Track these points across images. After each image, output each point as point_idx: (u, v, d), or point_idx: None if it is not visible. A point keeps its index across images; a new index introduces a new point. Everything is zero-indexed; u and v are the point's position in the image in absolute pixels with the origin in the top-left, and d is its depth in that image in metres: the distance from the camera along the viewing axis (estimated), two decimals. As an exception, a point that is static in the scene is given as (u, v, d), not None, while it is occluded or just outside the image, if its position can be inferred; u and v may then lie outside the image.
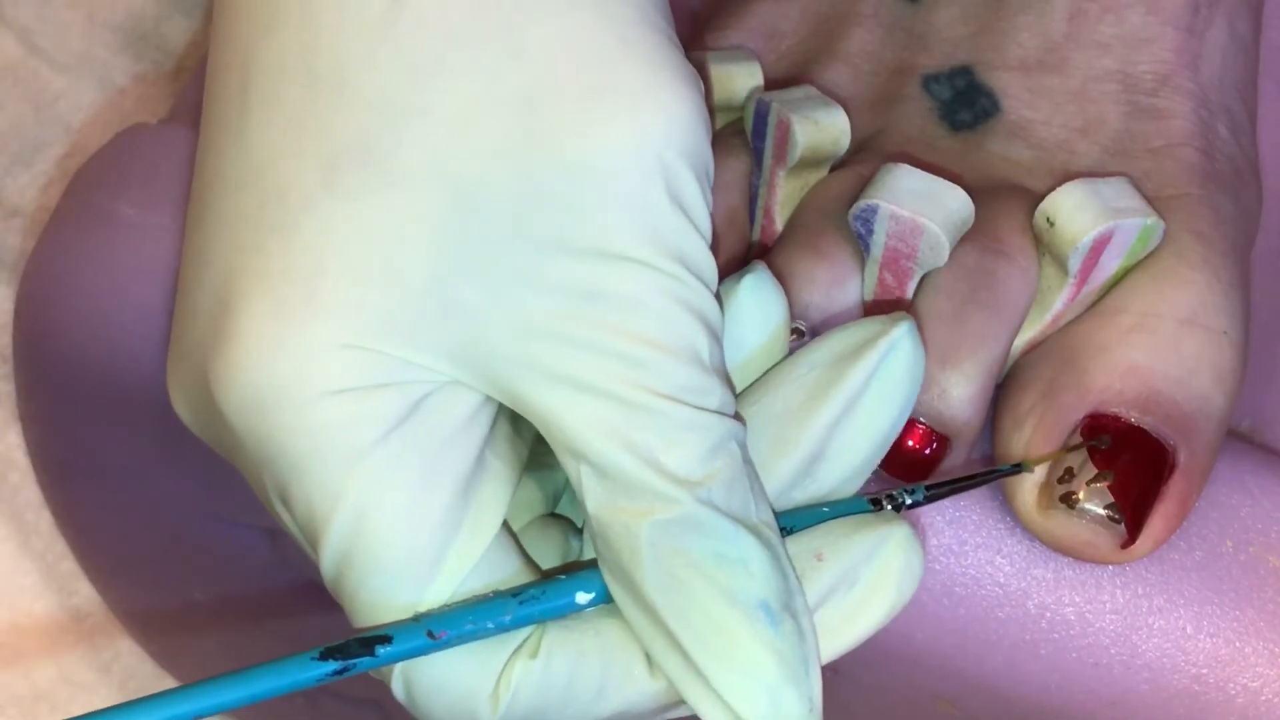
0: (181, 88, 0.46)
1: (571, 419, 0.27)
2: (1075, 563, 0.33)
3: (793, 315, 0.33)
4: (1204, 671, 0.33)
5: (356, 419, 0.26)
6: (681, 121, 0.27)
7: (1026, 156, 0.35)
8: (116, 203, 0.37)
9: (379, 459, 0.27)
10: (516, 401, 0.27)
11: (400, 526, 0.27)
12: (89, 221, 0.37)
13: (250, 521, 0.39)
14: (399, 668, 0.27)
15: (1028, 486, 0.32)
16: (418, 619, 0.27)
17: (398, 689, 0.28)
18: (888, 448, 0.30)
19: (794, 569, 0.28)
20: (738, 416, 0.29)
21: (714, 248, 0.35)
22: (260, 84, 0.27)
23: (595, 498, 0.27)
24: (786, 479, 0.29)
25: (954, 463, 0.32)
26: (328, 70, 0.27)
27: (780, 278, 0.33)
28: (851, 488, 0.30)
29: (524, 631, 0.28)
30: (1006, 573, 0.34)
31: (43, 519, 0.45)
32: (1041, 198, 0.33)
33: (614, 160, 0.26)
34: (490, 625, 0.27)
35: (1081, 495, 0.31)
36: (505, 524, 0.29)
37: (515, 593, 0.27)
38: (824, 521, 0.29)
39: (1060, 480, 0.32)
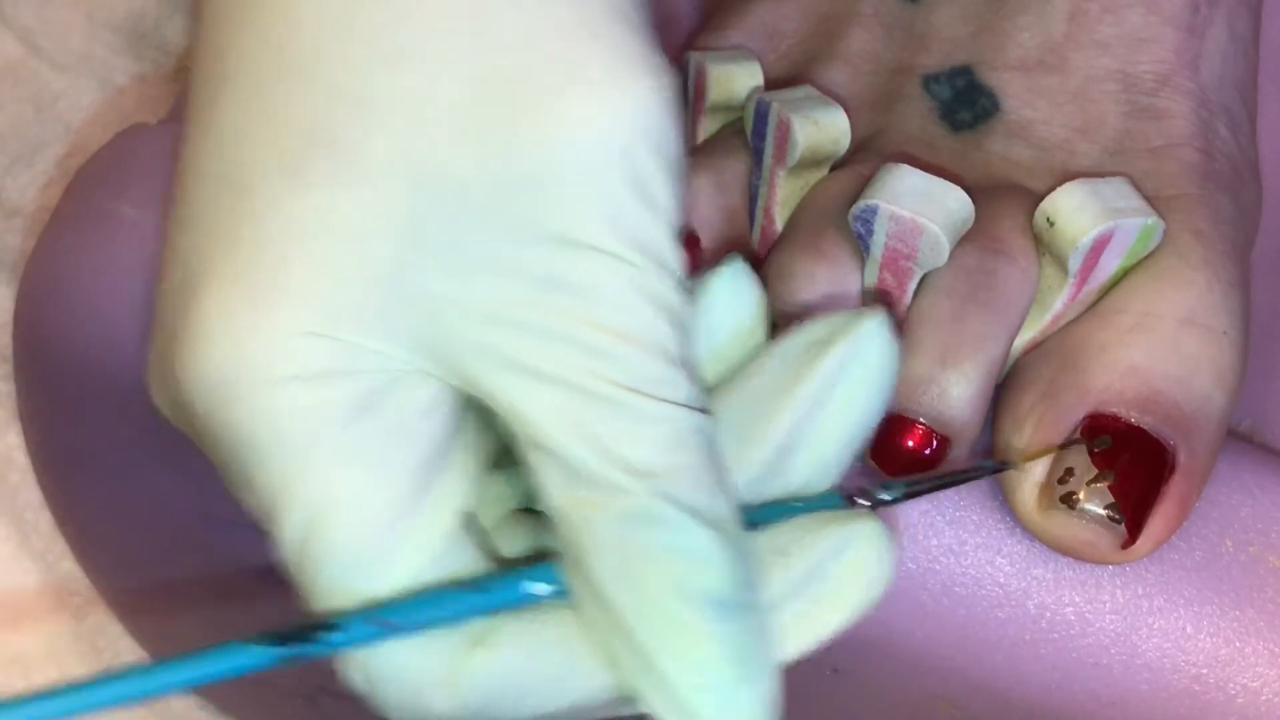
0: (181, 88, 0.46)
1: (532, 408, 0.27)
2: (1075, 563, 0.33)
3: (793, 313, 0.33)
4: (1204, 671, 0.33)
5: (314, 406, 0.26)
6: (647, 111, 0.27)
7: (1026, 156, 0.35)
8: (116, 202, 0.37)
9: (336, 447, 0.27)
10: (479, 390, 0.27)
11: (355, 516, 0.27)
12: (89, 221, 0.37)
13: (250, 521, 0.39)
14: (358, 657, 0.27)
15: (1028, 486, 0.32)
16: (369, 608, 0.27)
17: (357, 678, 0.28)
18: (861, 440, 0.30)
19: (755, 565, 0.28)
20: (708, 409, 0.28)
21: (708, 247, 0.35)
22: (234, 75, 0.28)
23: (553, 488, 0.27)
24: (757, 471, 0.29)
25: (954, 464, 0.32)
26: (297, 59, 0.27)
27: (780, 277, 0.33)
28: (825, 481, 0.30)
29: (482, 622, 0.27)
30: (1006, 573, 0.34)
31: (43, 519, 0.45)
32: (1041, 198, 0.33)
33: (577, 149, 0.26)
34: (444, 615, 0.27)
35: (1082, 495, 0.31)
36: (475, 518, 0.29)
37: (471, 583, 0.27)
38: (794, 516, 0.29)
39: (1060, 480, 0.32)
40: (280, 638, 0.26)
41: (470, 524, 0.29)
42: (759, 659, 0.27)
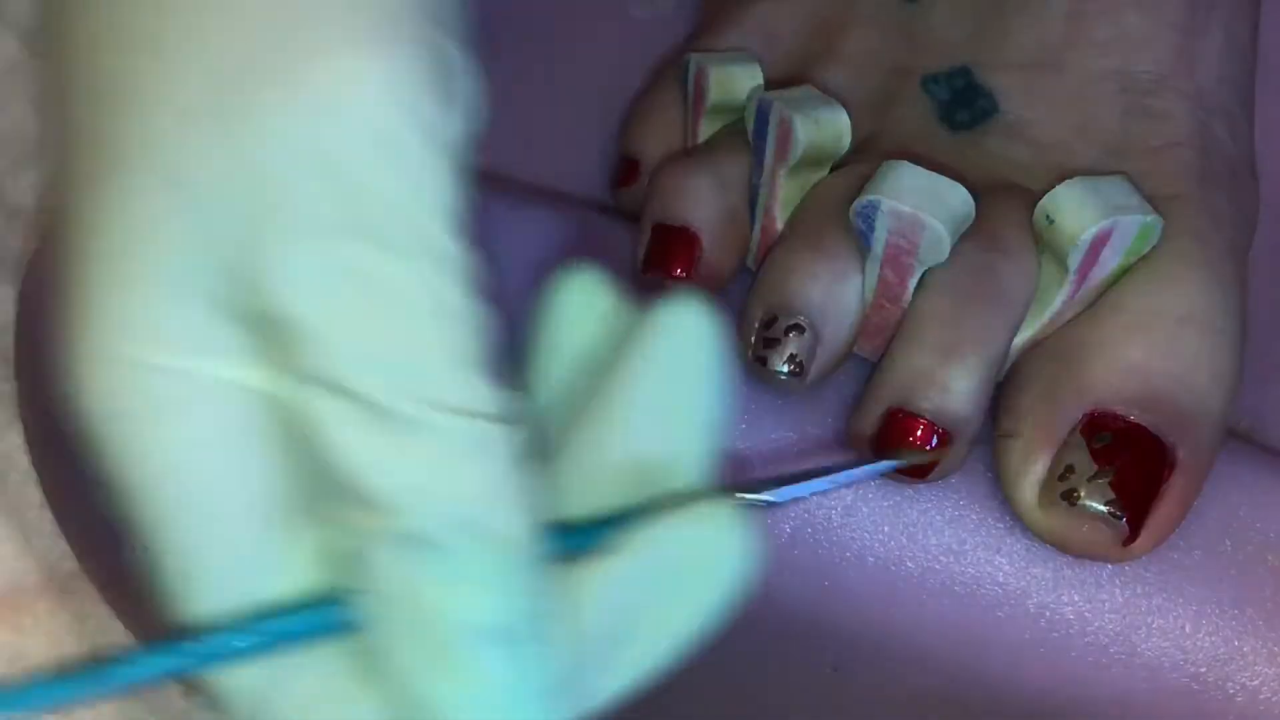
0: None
1: (307, 410, 0.24)
2: (1075, 562, 0.33)
3: (794, 312, 0.33)
4: (1203, 670, 0.33)
5: (144, 445, 0.24)
6: (395, 83, 0.24)
7: (1025, 156, 0.35)
8: (118, 203, 0.37)
9: (168, 487, 0.25)
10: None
11: (198, 563, 0.25)
12: (91, 222, 0.37)
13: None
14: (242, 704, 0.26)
15: (1028, 484, 0.32)
16: (174, 636, 0.25)
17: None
18: (714, 422, 0.27)
19: (545, 586, 0.25)
20: (511, 418, 0.25)
21: (709, 247, 0.35)
22: (53, 96, 0.26)
23: (326, 498, 0.25)
24: (610, 490, 0.27)
25: (955, 460, 0.33)
26: (81, 72, 0.25)
27: (782, 274, 0.33)
28: (687, 478, 0.27)
29: (323, 672, 0.26)
30: (1006, 572, 0.34)
31: (44, 519, 0.45)
32: (1040, 196, 0.33)
33: (314, 129, 0.24)
34: (251, 645, 0.25)
35: (1083, 492, 0.32)
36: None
37: (283, 610, 0.25)
38: (637, 517, 0.26)
39: (1061, 478, 0.32)
40: (85, 667, 0.25)
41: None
42: (538, 691, 0.25)
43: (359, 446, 0.24)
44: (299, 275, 0.24)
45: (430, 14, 0.25)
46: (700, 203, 0.35)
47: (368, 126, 0.24)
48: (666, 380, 0.26)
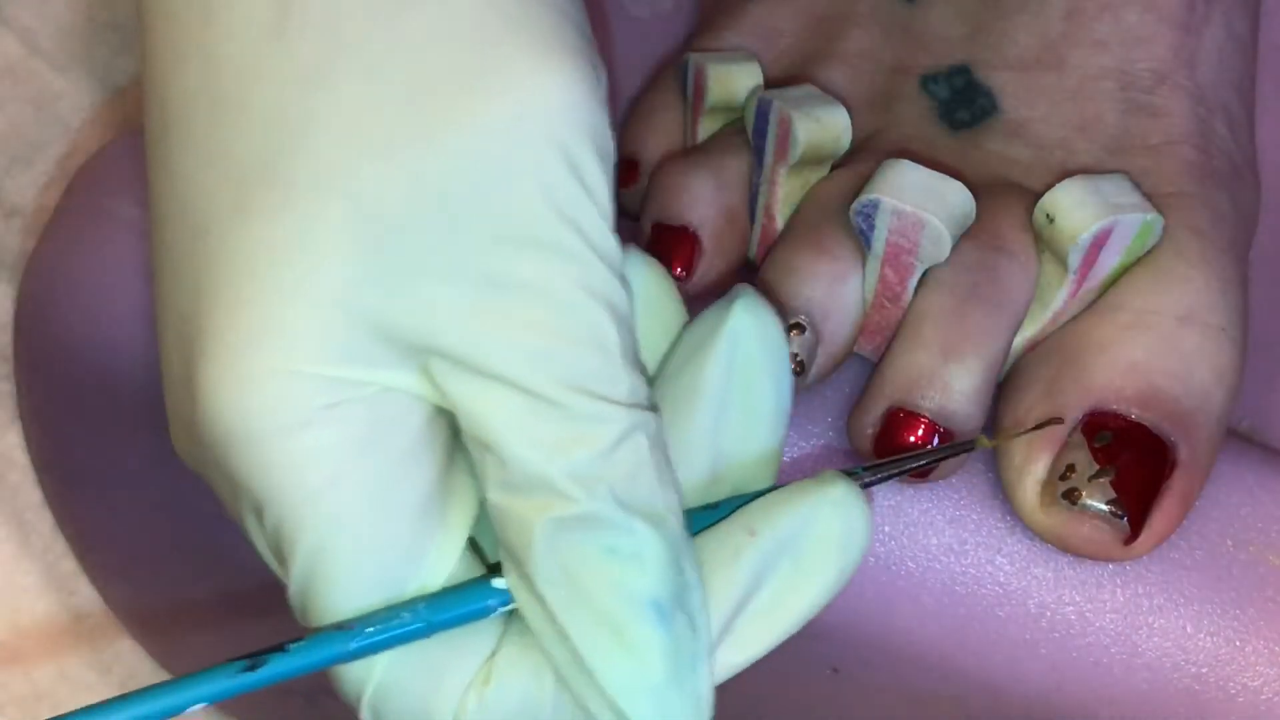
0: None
1: (478, 409, 0.26)
2: (1075, 562, 0.33)
3: (795, 311, 0.33)
4: (1204, 670, 0.33)
5: (302, 455, 0.26)
6: (574, 99, 0.26)
7: (1025, 155, 0.35)
8: (116, 202, 0.37)
9: (330, 495, 0.26)
10: (441, 396, 0.27)
11: (357, 562, 0.27)
12: (89, 221, 0.37)
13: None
14: (367, 698, 0.27)
15: (1030, 483, 0.32)
16: (333, 625, 0.27)
17: (366, 716, 0.28)
18: (785, 421, 0.29)
19: (693, 561, 0.27)
20: (653, 404, 0.28)
21: (708, 247, 0.35)
22: (174, 117, 0.27)
23: (495, 488, 0.27)
24: (698, 487, 0.29)
25: (956, 459, 0.32)
26: (227, 93, 0.26)
27: (782, 273, 0.33)
28: (765, 474, 0.29)
29: (481, 654, 0.27)
30: (1007, 572, 0.34)
31: (43, 519, 0.45)
32: (1040, 195, 0.33)
33: (500, 144, 0.26)
34: (408, 630, 0.27)
35: (1084, 492, 0.31)
36: (476, 542, 0.29)
37: (431, 598, 0.27)
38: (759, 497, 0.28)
39: (1062, 477, 0.32)
40: (252, 658, 0.26)
41: (473, 548, 0.28)
42: (692, 659, 0.27)
43: (531, 438, 0.26)
44: (478, 279, 0.26)
45: (582, 28, 0.27)
46: (700, 202, 0.35)
47: (551, 142, 0.26)
48: (746, 382, 0.29)
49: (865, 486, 0.29)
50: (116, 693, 0.26)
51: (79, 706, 0.26)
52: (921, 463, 0.30)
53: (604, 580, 0.26)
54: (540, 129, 0.26)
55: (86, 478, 0.42)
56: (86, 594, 0.45)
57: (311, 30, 0.26)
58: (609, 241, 0.27)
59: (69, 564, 0.45)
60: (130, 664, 0.46)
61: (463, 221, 0.26)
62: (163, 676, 0.46)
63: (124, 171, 0.38)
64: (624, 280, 0.27)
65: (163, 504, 0.40)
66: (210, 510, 0.39)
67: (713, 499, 0.29)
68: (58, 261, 0.37)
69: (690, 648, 0.27)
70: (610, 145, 0.27)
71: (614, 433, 0.27)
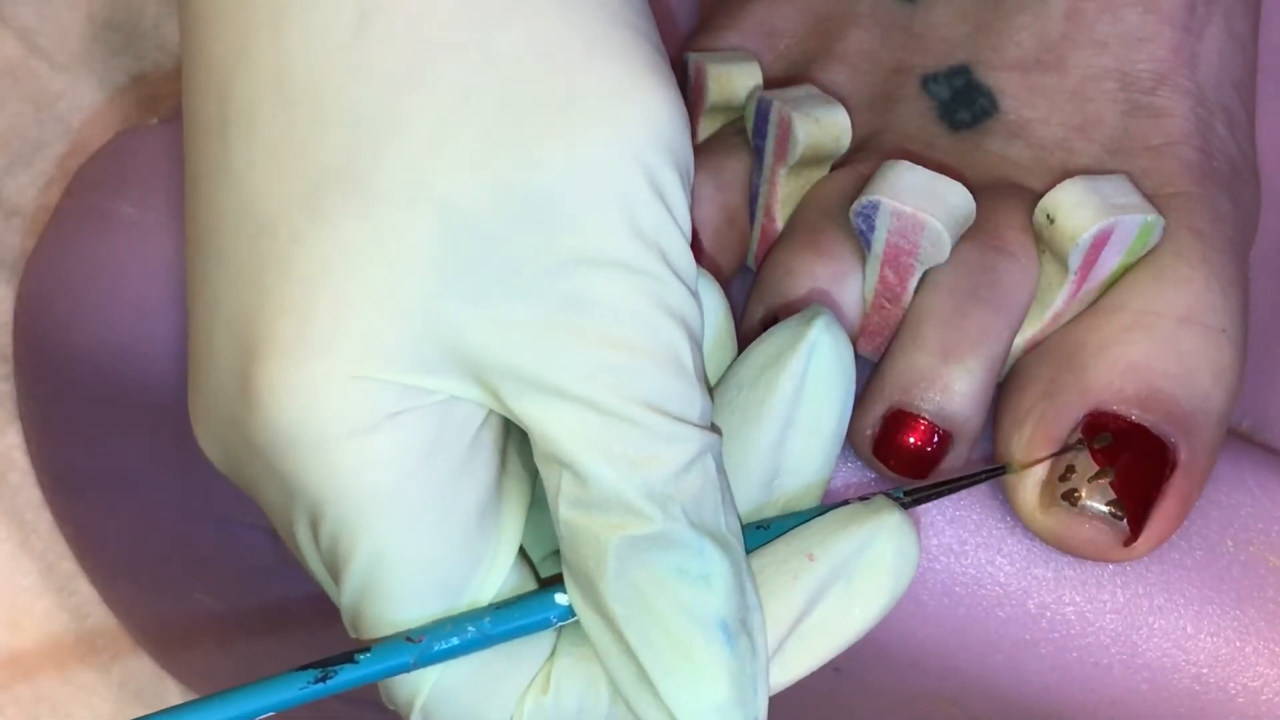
0: (182, 88, 0.46)
1: (554, 427, 0.27)
2: (1076, 562, 0.33)
3: (793, 310, 0.33)
4: (1204, 671, 0.33)
5: (369, 459, 0.26)
6: (660, 120, 0.27)
7: (1025, 155, 0.35)
8: (116, 202, 0.37)
9: (394, 500, 0.26)
10: (509, 411, 0.27)
11: (416, 569, 0.27)
12: (89, 221, 0.37)
13: (252, 523, 0.39)
14: (420, 704, 0.28)
15: (1029, 484, 0.32)
16: (400, 633, 0.27)
17: None
18: (840, 444, 0.30)
19: (753, 583, 0.28)
20: (716, 426, 0.29)
21: (708, 247, 0.35)
22: (237, 116, 0.27)
23: (569, 506, 0.27)
24: (751, 500, 0.29)
25: (956, 460, 0.32)
26: (302, 94, 0.26)
27: (781, 274, 0.33)
28: (815, 493, 0.30)
29: (536, 663, 0.28)
30: (1007, 572, 0.34)
31: (42, 519, 0.45)
32: (1041, 195, 0.33)
33: (591, 165, 0.26)
34: (471, 640, 0.27)
35: (1084, 493, 0.32)
36: (524, 552, 0.29)
37: (493, 610, 0.27)
38: (814, 519, 0.29)
39: (1062, 478, 0.32)
40: (321, 668, 0.26)
41: (523, 558, 0.29)
42: (754, 681, 0.27)
43: (609, 456, 0.26)
44: (557, 297, 0.26)
45: (658, 44, 0.28)
46: (699, 202, 0.35)
47: (638, 163, 0.26)
48: (814, 401, 0.29)
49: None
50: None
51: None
52: (958, 489, 0.31)
53: (674, 601, 0.27)
54: (629, 151, 0.26)
55: (86, 478, 0.42)
56: (86, 594, 0.45)
57: (396, 39, 0.26)
58: (687, 261, 0.27)
59: (69, 564, 0.45)
60: (130, 664, 0.46)
61: (547, 239, 0.26)
62: (162, 677, 0.46)
63: (124, 171, 0.38)
64: (698, 299, 0.28)
65: (162, 504, 0.40)
66: (211, 511, 0.40)
67: (763, 515, 0.29)
68: (58, 261, 0.37)
69: (751, 669, 0.27)
70: (690, 162, 0.28)
71: (689, 453, 0.27)
